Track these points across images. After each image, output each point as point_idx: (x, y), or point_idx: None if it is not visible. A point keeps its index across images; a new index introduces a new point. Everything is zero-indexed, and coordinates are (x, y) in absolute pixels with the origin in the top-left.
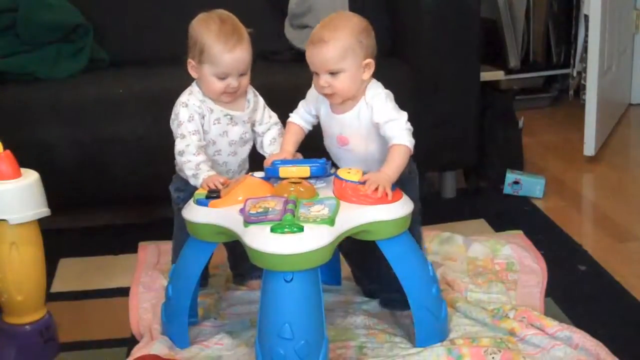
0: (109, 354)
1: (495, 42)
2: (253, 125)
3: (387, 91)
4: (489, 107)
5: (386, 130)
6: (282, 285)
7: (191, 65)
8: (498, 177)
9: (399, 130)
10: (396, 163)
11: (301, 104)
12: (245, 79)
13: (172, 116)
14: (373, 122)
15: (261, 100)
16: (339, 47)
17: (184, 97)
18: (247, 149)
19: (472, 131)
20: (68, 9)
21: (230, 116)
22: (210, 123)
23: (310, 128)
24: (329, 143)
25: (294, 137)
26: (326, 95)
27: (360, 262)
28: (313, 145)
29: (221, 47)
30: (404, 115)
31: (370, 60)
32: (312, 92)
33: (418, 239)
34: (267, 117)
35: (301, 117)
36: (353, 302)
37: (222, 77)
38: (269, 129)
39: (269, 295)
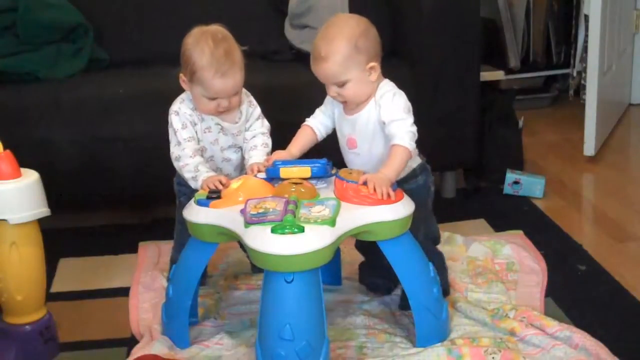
0: (109, 354)
1: (495, 42)
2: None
3: (399, 91)
4: (489, 107)
5: (390, 129)
6: (283, 285)
7: (182, 80)
8: (498, 177)
9: (403, 131)
10: (395, 164)
11: (318, 109)
12: (237, 98)
13: (168, 122)
14: (380, 120)
15: (257, 111)
16: (337, 61)
17: (175, 106)
18: (240, 155)
19: (472, 131)
20: (68, 8)
21: (220, 125)
22: (201, 131)
23: (324, 134)
24: (342, 148)
25: (302, 140)
26: (341, 102)
27: (375, 253)
28: (313, 145)
29: (212, 74)
30: (411, 117)
31: (374, 64)
32: (329, 96)
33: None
34: (259, 126)
35: (318, 121)
36: (353, 302)
37: (212, 98)
38: (254, 137)
39: (269, 296)
